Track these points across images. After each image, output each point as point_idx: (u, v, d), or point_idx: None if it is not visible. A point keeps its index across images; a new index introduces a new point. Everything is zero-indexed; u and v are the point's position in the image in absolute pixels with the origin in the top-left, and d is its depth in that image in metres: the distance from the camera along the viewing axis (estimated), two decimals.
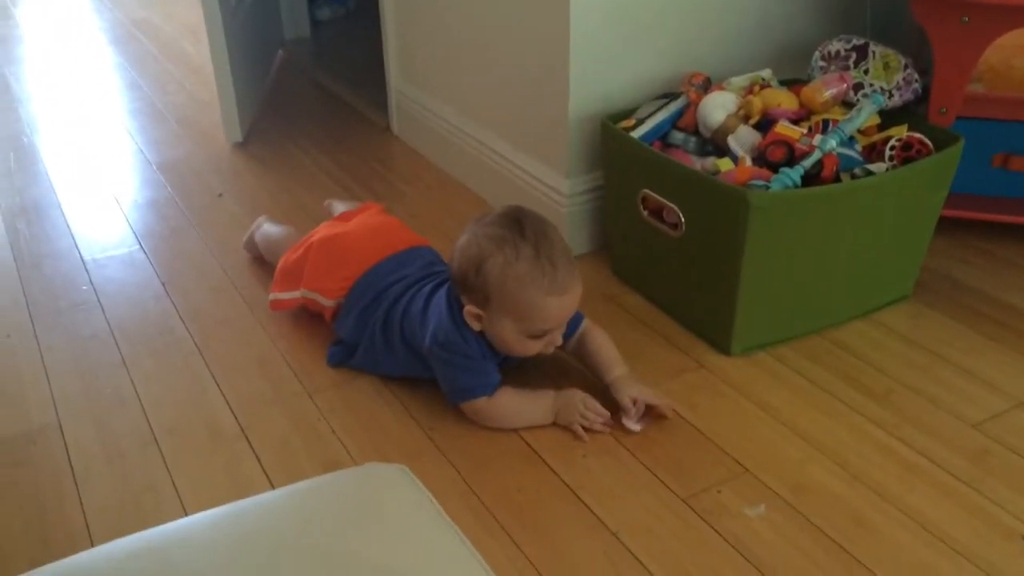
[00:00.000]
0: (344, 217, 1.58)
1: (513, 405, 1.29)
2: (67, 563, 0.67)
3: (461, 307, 1.27)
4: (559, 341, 1.30)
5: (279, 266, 1.53)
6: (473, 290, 1.25)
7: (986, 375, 1.38)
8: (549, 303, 1.22)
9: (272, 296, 1.53)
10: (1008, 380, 1.37)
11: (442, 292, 1.32)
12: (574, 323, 1.36)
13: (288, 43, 3.10)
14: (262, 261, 1.72)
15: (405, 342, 1.34)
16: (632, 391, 1.29)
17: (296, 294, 1.48)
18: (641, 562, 1.08)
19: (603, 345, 1.37)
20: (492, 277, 1.22)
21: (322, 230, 1.51)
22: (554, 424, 1.29)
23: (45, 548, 1.12)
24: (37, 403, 1.38)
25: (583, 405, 1.27)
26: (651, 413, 1.30)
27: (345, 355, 1.43)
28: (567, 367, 1.40)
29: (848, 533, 1.11)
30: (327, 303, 1.44)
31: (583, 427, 1.27)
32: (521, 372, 1.37)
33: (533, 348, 1.28)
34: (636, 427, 1.27)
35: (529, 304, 1.22)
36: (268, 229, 1.70)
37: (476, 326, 1.27)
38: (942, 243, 1.68)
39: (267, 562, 0.66)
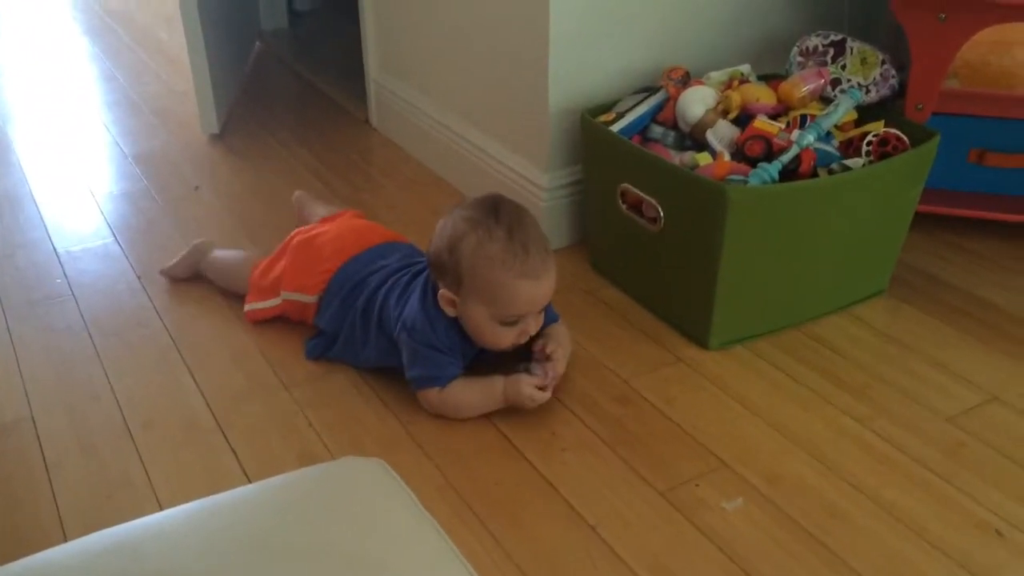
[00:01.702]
0: (320, 223, 1.56)
1: (464, 395, 1.29)
2: (40, 558, 0.67)
3: (436, 295, 1.27)
4: (532, 332, 1.29)
5: (253, 277, 1.50)
6: (446, 272, 1.25)
7: (960, 369, 1.39)
8: (519, 286, 1.22)
9: (248, 307, 1.51)
10: (982, 374, 1.38)
11: (419, 281, 1.33)
12: (548, 318, 1.36)
13: (266, 33, 3.07)
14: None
15: (381, 330, 1.34)
16: (543, 344, 1.31)
17: (275, 301, 1.47)
18: (619, 556, 1.08)
19: (559, 332, 1.37)
20: (464, 257, 1.22)
21: (298, 235, 1.50)
22: (527, 415, 1.29)
23: (17, 543, 1.10)
24: (9, 396, 1.36)
25: (527, 390, 1.26)
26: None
27: (324, 347, 1.42)
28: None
29: (824, 525, 1.12)
30: (309, 299, 1.43)
31: (540, 395, 1.27)
32: (482, 361, 1.36)
33: (506, 337, 1.27)
34: (539, 372, 1.28)
35: (499, 286, 1.22)
36: (220, 256, 1.61)
37: (450, 311, 1.27)
38: (918, 238, 1.70)
39: (243, 557, 0.65)
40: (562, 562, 1.07)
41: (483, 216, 1.24)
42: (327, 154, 2.18)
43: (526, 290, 1.23)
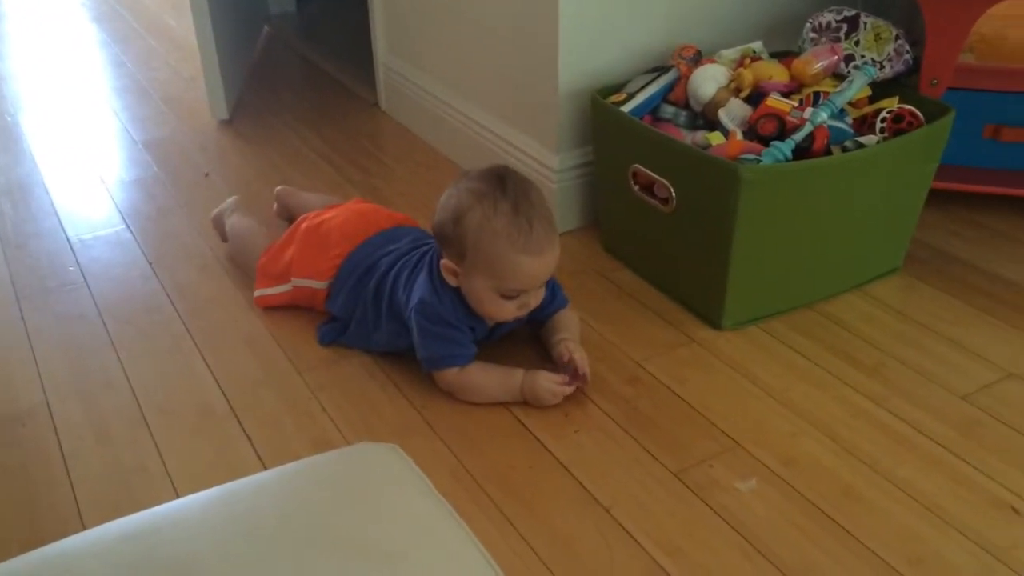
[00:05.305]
0: (327, 209, 1.56)
1: (482, 380, 1.29)
2: (58, 546, 0.67)
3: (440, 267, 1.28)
4: (533, 306, 1.29)
5: (261, 263, 1.51)
6: (450, 243, 1.25)
7: (976, 347, 1.38)
8: (522, 262, 1.21)
9: (258, 292, 1.51)
10: (997, 351, 1.37)
11: (426, 260, 1.33)
12: (557, 302, 1.37)
13: (273, 18, 3.06)
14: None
15: (392, 312, 1.34)
16: (564, 349, 1.30)
17: (285, 287, 1.47)
18: (633, 537, 1.08)
19: (569, 319, 1.38)
20: (469, 231, 1.22)
21: (305, 221, 1.50)
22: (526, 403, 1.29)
23: (35, 531, 1.11)
24: (25, 385, 1.37)
25: (547, 384, 1.27)
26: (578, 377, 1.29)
27: (337, 333, 1.42)
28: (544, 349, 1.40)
29: (839, 505, 1.11)
30: (320, 285, 1.43)
31: (560, 389, 1.27)
32: (498, 349, 1.37)
33: (507, 309, 1.27)
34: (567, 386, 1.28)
35: (502, 261, 1.21)
36: (237, 223, 1.64)
37: (452, 281, 1.27)
38: (932, 215, 1.68)
39: (259, 544, 0.65)
40: (577, 544, 1.08)
41: (489, 189, 1.23)
42: (337, 138, 2.18)
43: (529, 265, 1.22)
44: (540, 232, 1.21)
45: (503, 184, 1.23)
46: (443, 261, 1.27)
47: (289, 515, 0.68)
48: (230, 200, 1.71)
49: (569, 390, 1.28)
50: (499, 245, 1.21)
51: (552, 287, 1.35)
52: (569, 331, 1.36)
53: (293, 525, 0.67)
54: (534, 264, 1.23)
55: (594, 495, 1.14)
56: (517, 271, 1.22)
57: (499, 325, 1.34)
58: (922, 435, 1.22)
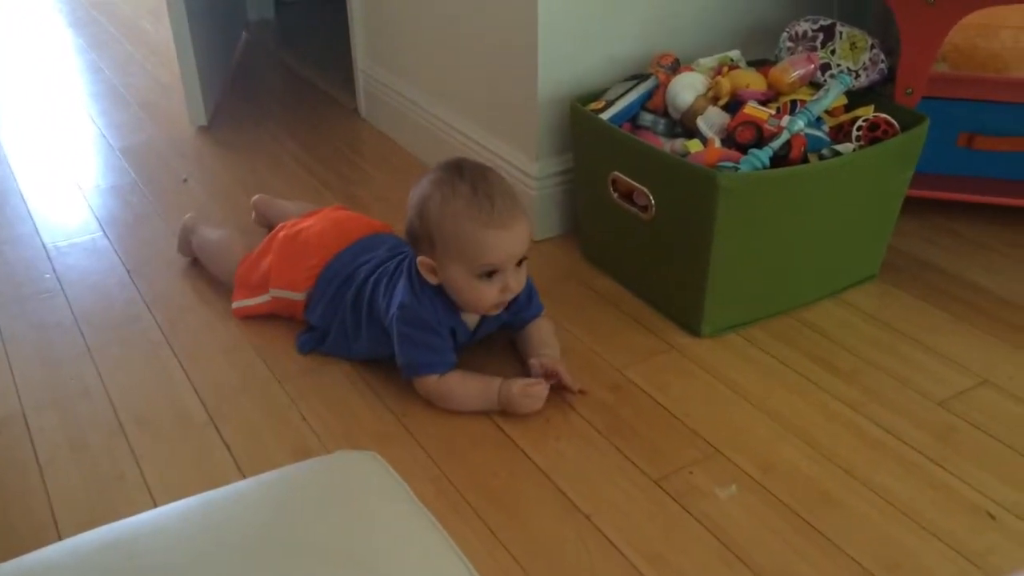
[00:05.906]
0: (303, 217, 1.55)
1: (461, 388, 1.29)
2: (34, 557, 0.66)
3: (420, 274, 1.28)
4: (515, 289, 1.28)
5: (239, 273, 1.50)
6: (419, 238, 1.25)
7: (951, 353, 1.40)
8: (488, 236, 1.21)
9: (236, 304, 1.50)
10: (973, 358, 1.39)
11: (404, 266, 1.33)
12: (533, 310, 1.37)
13: (252, 24, 3.05)
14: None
15: (372, 320, 1.34)
16: (542, 359, 1.31)
17: (264, 298, 1.46)
18: (614, 544, 1.08)
19: (546, 333, 1.38)
20: (432, 218, 1.23)
21: (283, 231, 1.49)
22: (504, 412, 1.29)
23: (11, 541, 1.10)
24: (0, 394, 1.35)
25: (521, 393, 1.26)
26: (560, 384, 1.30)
27: (316, 341, 1.42)
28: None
29: (817, 511, 1.12)
30: (298, 296, 1.42)
31: (534, 390, 1.27)
32: (477, 357, 1.37)
33: (488, 294, 1.26)
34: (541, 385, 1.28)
35: (469, 240, 1.21)
36: (207, 236, 1.62)
37: (432, 279, 1.27)
38: (908, 223, 1.70)
39: (238, 554, 0.65)
40: (557, 551, 1.08)
41: (447, 176, 1.24)
42: (316, 145, 2.17)
43: (496, 238, 1.22)
44: (502, 206, 1.22)
45: (459, 170, 1.25)
46: (420, 259, 1.27)
47: (268, 524, 0.68)
48: (186, 218, 1.66)
49: (545, 390, 1.28)
50: (462, 224, 1.21)
51: (529, 290, 1.35)
52: (549, 347, 1.36)
53: (272, 534, 0.67)
54: (502, 237, 1.22)
55: (575, 502, 1.14)
56: (486, 246, 1.22)
57: (481, 324, 1.34)
58: (899, 441, 1.23)
